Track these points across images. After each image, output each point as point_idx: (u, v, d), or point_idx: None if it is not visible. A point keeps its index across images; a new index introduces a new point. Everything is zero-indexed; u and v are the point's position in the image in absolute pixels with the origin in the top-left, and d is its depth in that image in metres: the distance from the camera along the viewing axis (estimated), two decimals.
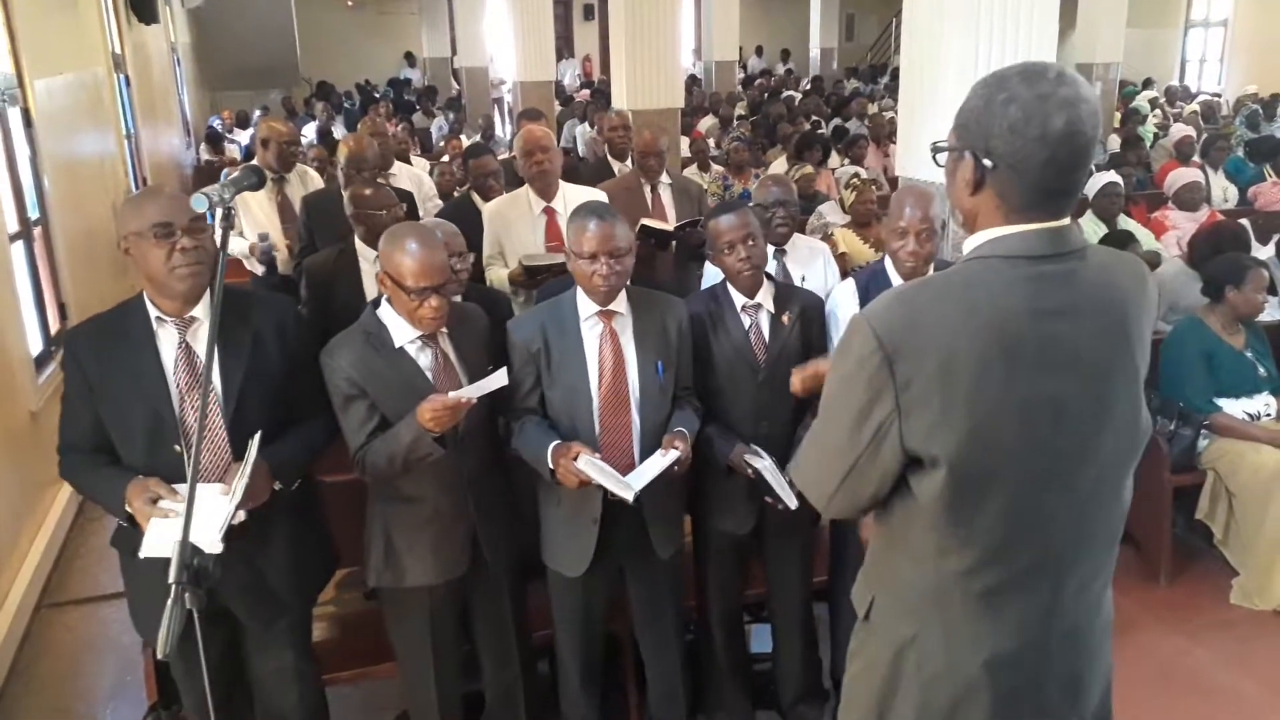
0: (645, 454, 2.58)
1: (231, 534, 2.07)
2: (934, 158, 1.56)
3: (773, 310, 2.80)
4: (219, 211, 1.92)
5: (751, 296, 2.79)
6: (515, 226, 3.98)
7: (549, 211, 3.98)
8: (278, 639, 2.51)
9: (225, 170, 6.52)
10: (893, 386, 1.42)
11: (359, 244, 3.66)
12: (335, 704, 2.91)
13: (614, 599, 2.85)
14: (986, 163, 1.43)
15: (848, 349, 1.48)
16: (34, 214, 5.01)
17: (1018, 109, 1.38)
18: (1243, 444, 3.82)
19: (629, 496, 2.41)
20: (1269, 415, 3.96)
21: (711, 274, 3.68)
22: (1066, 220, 1.47)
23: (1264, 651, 3.53)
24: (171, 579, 1.57)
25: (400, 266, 2.37)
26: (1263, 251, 5.12)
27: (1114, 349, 1.47)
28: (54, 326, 5.06)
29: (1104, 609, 1.63)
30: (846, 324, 1.54)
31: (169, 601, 1.55)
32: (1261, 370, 3.98)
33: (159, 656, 1.50)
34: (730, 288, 2.82)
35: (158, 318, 2.27)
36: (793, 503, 2.56)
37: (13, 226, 4.72)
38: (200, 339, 2.28)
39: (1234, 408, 3.93)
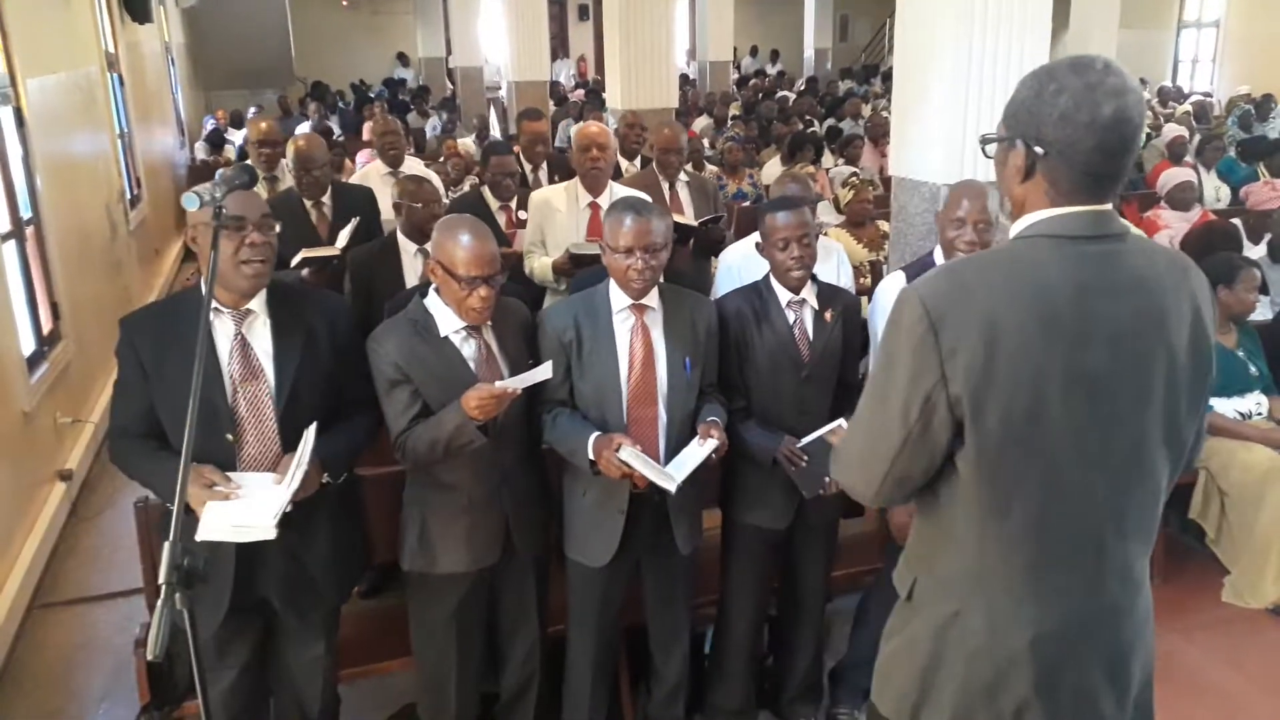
0: (670, 447, 2.61)
1: (279, 524, 2.12)
2: (983, 149, 1.62)
3: (816, 307, 2.81)
4: (212, 209, 1.94)
5: (797, 293, 2.80)
6: (558, 218, 4.03)
7: (594, 207, 4.02)
8: (313, 630, 2.55)
9: (219, 170, 6.52)
10: (938, 354, 1.47)
11: (400, 236, 3.76)
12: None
13: (629, 594, 2.85)
14: (1038, 150, 1.49)
15: (896, 321, 1.53)
16: (26, 213, 4.99)
17: (1068, 98, 1.45)
18: (1234, 443, 3.84)
19: (671, 487, 2.44)
20: (1260, 414, 3.97)
21: (724, 267, 3.71)
22: (1109, 205, 1.52)
23: (1256, 650, 3.55)
24: (161, 579, 1.56)
25: (453, 256, 2.43)
26: (1254, 251, 5.14)
27: (1152, 330, 1.51)
28: (46, 326, 5.04)
29: (1144, 593, 1.65)
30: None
31: (159, 602, 1.54)
32: (1253, 369, 3.99)
33: (149, 658, 1.49)
34: (775, 283, 2.82)
35: (215, 308, 2.31)
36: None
37: (4, 226, 4.71)
38: (255, 331, 2.35)
39: (1225, 407, 3.94)
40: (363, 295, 3.62)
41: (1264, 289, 4.52)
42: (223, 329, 2.33)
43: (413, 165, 5.62)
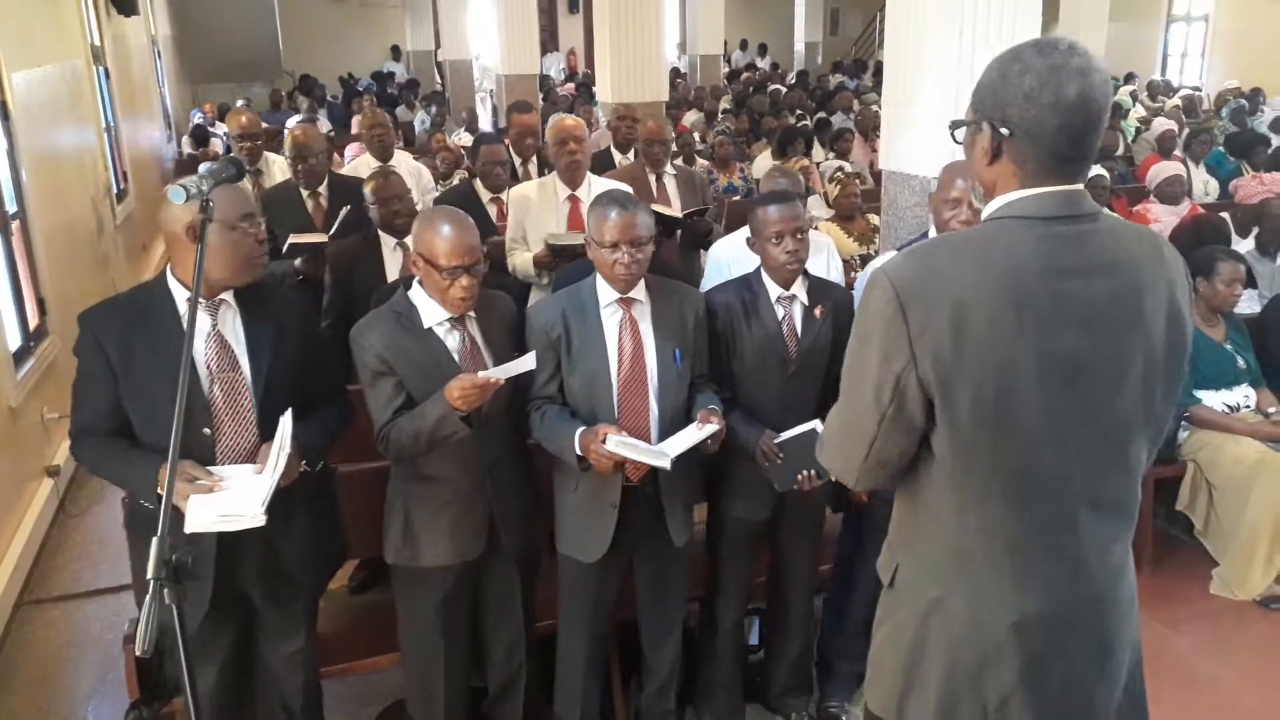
0: (663, 439, 2.59)
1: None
2: (953, 135, 1.62)
3: (806, 303, 2.80)
4: (199, 202, 1.93)
5: (787, 288, 2.79)
6: (539, 212, 4.02)
7: (573, 200, 4.01)
8: (290, 621, 2.54)
9: (206, 164, 6.50)
10: (906, 334, 1.47)
11: (380, 231, 3.77)
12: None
13: (621, 589, 2.85)
14: (1004, 131, 1.49)
15: (866, 303, 1.53)
16: (12, 208, 4.95)
17: (1032, 78, 1.46)
18: (1222, 436, 3.85)
19: (665, 464, 2.44)
20: (1248, 407, 3.99)
21: (713, 261, 3.70)
22: (1080, 185, 1.52)
23: (1243, 640, 3.58)
24: (150, 575, 1.56)
25: (433, 246, 2.43)
26: (1243, 245, 5.15)
27: (1127, 310, 1.51)
28: (33, 322, 5.01)
29: (1127, 578, 1.65)
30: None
31: (148, 597, 1.53)
32: (1241, 362, 4.01)
33: (139, 653, 1.48)
34: (765, 278, 2.81)
35: (187, 299, 2.28)
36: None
37: None
38: (228, 322, 2.34)
39: (1213, 400, 3.96)
40: (343, 289, 3.61)
41: (1252, 283, 4.54)
42: (198, 321, 2.29)
43: (402, 159, 5.60)
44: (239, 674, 2.54)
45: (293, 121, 10.54)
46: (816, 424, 2.58)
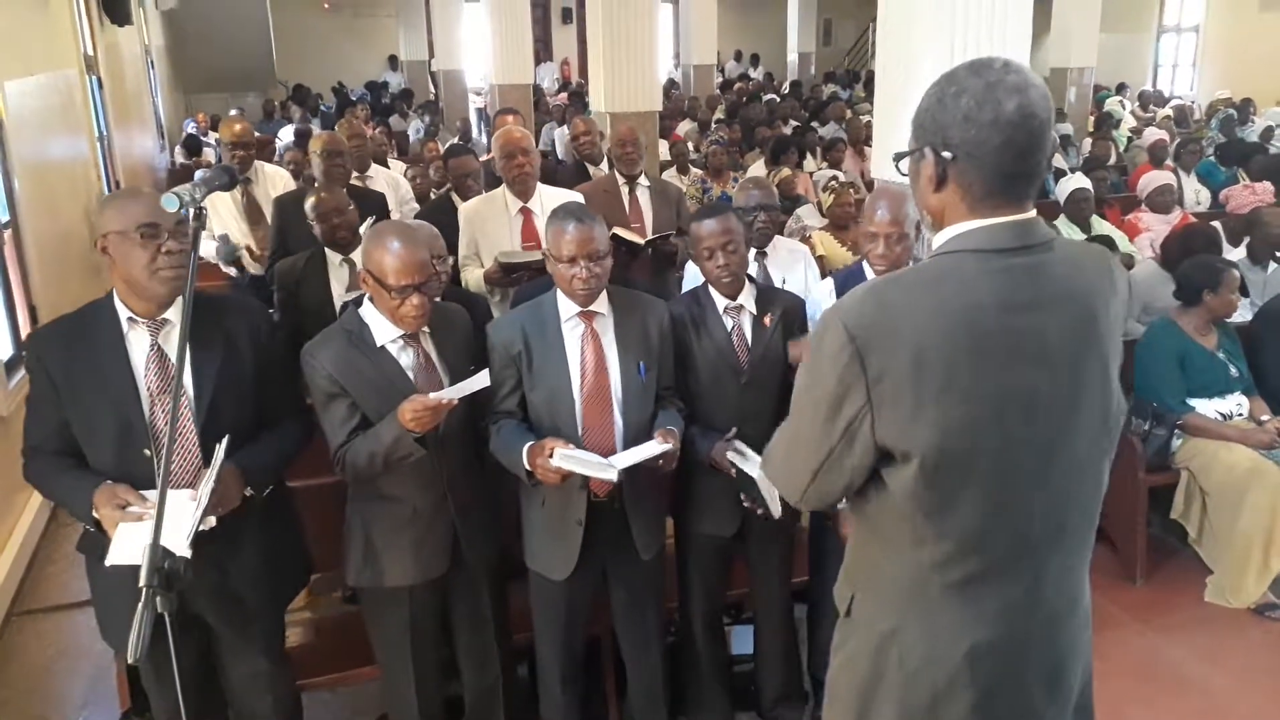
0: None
1: (202, 540, 2.04)
2: (896, 167, 1.57)
3: (755, 312, 2.80)
4: (191, 211, 1.90)
5: (734, 299, 2.79)
6: (491, 226, 3.96)
7: (525, 212, 3.96)
8: (250, 645, 2.49)
9: (200, 171, 6.51)
10: (864, 381, 1.43)
11: (326, 248, 3.71)
12: (314, 709, 2.90)
13: (596, 601, 2.83)
14: (946, 154, 1.45)
15: (820, 345, 1.49)
16: (4, 216, 4.95)
17: (969, 98, 1.43)
18: (1215, 444, 3.86)
19: (612, 477, 2.40)
20: (1241, 415, 4.00)
21: (692, 277, 3.69)
22: (1032, 212, 1.49)
23: (1237, 648, 3.58)
24: (142, 582, 1.55)
25: (382, 264, 2.37)
26: (1233, 253, 5.18)
27: (1083, 340, 1.49)
28: (24, 330, 4.99)
29: (1083, 599, 1.63)
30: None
31: (139, 605, 1.53)
32: (1233, 370, 4.02)
33: (130, 661, 1.48)
34: (712, 290, 2.82)
35: (129, 319, 2.24)
36: (776, 510, 2.55)
37: None
38: (172, 342, 2.25)
39: (1207, 408, 3.97)
40: (289, 307, 3.56)
41: (1244, 291, 4.56)
42: (138, 341, 2.25)
43: (380, 171, 5.56)
44: (202, 695, 2.47)
45: (285, 131, 10.59)
46: (761, 474, 2.57)
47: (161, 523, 1.65)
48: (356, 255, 3.61)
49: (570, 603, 2.72)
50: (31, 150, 5.56)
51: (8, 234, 4.95)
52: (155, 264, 2.17)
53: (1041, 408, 1.46)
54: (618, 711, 3.12)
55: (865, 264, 2.97)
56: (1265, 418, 3.96)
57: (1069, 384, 1.48)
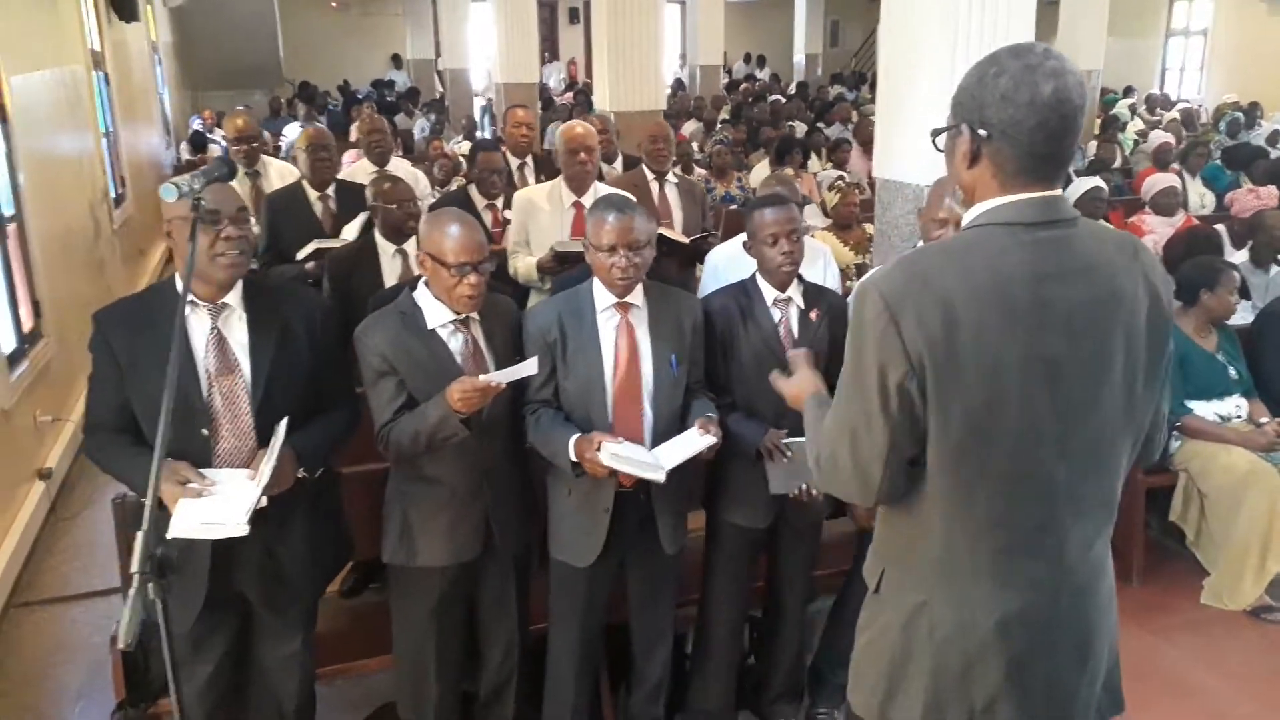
0: (657, 444, 2.58)
1: (253, 519, 2.11)
2: (934, 142, 1.63)
3: (802, 306, 2.81)
4: (191, 201, 1.93)
5: (783, 291, 2.80)
6: (542, 217, 4.02)
7: (578, 206, 4.01)
8: (289, 625, 2.54)
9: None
10: (900, 343, 1.48)
11: (378, 237, 3.76)
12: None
13: (612, 592, 2.84)
14: (982, 133, 1.51)
15: (858, 317, 1.54)
16: (8, 210, 4.96)
17: (1008, 79, 1.48)
18: (1214, 446, 3.85)
19: (660, 477, 2.42)
20: (1240, 417, 3.99)
21: (709, 268, 3.70)
22: (1059, 190, 1.55)
23: (1234, 651, 3.57)
24: (134, 569, 1.56)
25: (441, 244, 2.45)
26: (1237, 256, 5.17)
27: (1108, 312, 1.52)
28: (27, 324, 5.01)
29: (1107, 575, 1.67)
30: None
31: (131, 591, 1.53)
32: (1232, 372, 4.01)
33: (119, 646, 1.48)
34: (761, 281, 2.82)
35: (191, 301, 2.29)
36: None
37: None
38: (231, 325, 2.34)
39: (1205, 410, 3.96)
40: (341, 296, 3.60)
41: (1245, 294, 4.55)
42: (198, 323, 2.32)
43: (400, 166, 5.61)
44: (233, 674, 2.53)
45: (291, 128, 10.61)
46: None
47: (154, 511, 1.65)
48: (408, 246, 3.70)
49: (590, 590, 2.73)
50: (37, 145, 5.58)
51: (12, 228, 4.97)
52: (215, 249, 2.24)
53: (1064, 376, 1.50)
54: (613, 706, 3.12)
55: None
56: (1264, 420, 3.95)
57: (1093, 355, 1.52)
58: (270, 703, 2.60)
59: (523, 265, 3.99)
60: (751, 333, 2.78)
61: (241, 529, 2.06)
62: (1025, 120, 1.47)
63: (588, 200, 3.99)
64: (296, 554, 2.46)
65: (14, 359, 4.64)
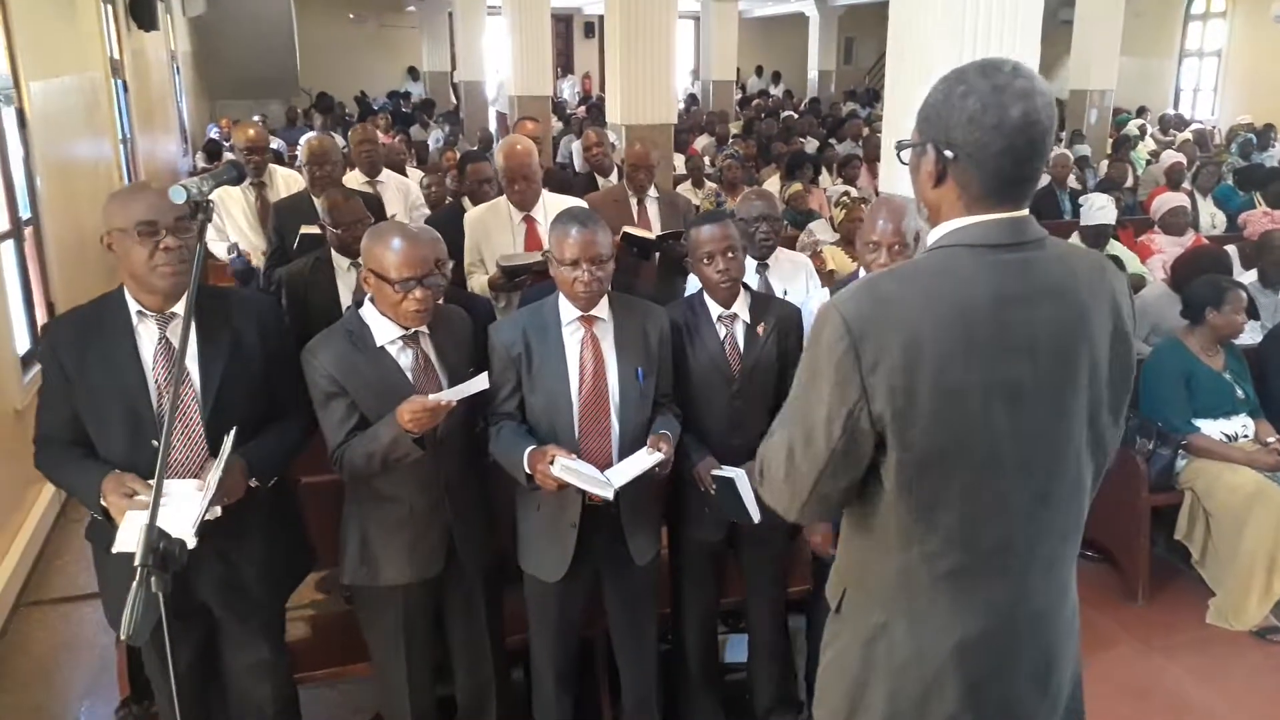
0: (625, 457, 2.57)
1: (208, 530, 2.07)
2: (898, 155, 1.60)
3: (748, 321, 2.82)
4: (199, 205, 1.95)
5: (728, 307, 2.81)
6: (495, 234, 4.00)
7: (529, 220, 4.00)
8: (252, 634, 2.52)
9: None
10: (858, 370, 1.45)
11: (333, 252, 3.71)
12: (311, 703, 2.92)
13: (590, 605, 2.85)
14: (948, 154, 1.48)
15: (817, 337, 1.51)
16: (26, 214, 5.03)
17: (975, 100, 1.44)
18: (1219, 465, 3.84)
19: (609, 494, 2.42)
20: (1246, 436, 3.99)
21: (695, 286, 3.70)
22: (1025, 210, 1.52)
23: (1238, 671, 3.55)
24: (137, 562, 1.58)
25: (383, 259, 2.40)
26: (1245, 276, 5.16)
27: (1072, 336, 1.50)
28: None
29: (1070, 595, 1.64)
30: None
31: (134, 584, 1.55)
32: (1239, 392, 4.01)
33: (122, 637, 1.50)
34: (707, 298, 2.84)
35: (138, 312, 2.28)
36: (756, 516, 2.59)
37: (4, 226, 4.76)
38: (180, 335, 2.27)
39: (1212, 428, 3.96)
40: (297, 312, 3.57)
41: (1254, 313, 4.54)
42: (146, 333, 2.28)
43: (390, 176, 5.58)
44: (202, 683, 2.51)
45: (307, 138, 10.69)
46: (742, 472, 2.61)
47: (158, 504, 1.67)
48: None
49: (563, 605, 2.73)
50: (55, 149, 5.65)
51: (29, 231, 5.03)
52: (153, 261, 2.20)
53: (1028, 400, 1.47)
54: (611, 714, 3.12)
55: (863, 274, 2.99)
56: (1271, 440, 3.94)
57: (1057, 379, 1.49)
58: (248, 709, 2.60)
59: (478, 285, 3.96)
60: (698, 351, 2.79)
61: (190, 541, 1.95)
62: (992, 144, 1.44)
63: (538, 212, 3.98)
64: (255, 562, 2.43)
65: (28, 360, 4.69)
